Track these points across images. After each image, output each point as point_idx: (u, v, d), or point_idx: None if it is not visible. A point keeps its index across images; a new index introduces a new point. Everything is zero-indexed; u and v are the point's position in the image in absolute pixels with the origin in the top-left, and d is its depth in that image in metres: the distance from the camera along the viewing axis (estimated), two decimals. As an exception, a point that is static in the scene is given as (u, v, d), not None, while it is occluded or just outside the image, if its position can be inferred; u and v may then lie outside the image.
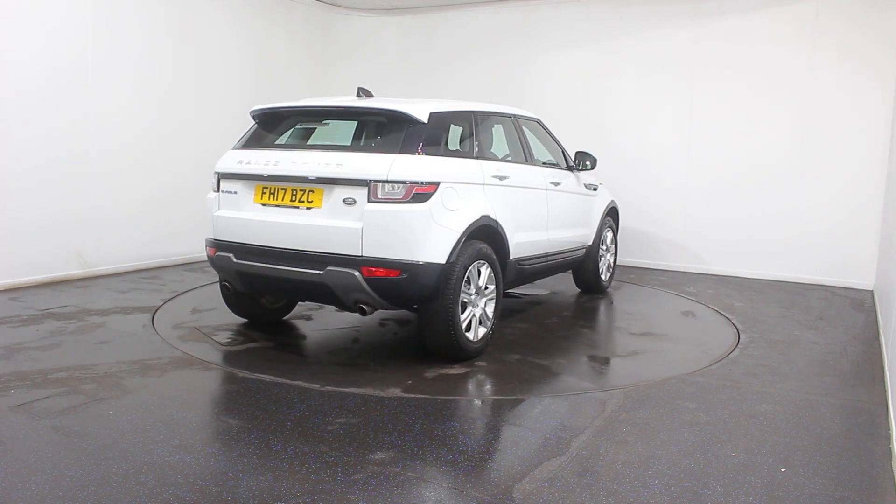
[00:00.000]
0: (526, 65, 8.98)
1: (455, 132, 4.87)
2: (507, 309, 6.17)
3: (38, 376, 3.99)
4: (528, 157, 5.54)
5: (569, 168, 6.20)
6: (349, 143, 4.61)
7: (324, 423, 3.48)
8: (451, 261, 4.30)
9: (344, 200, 4.23)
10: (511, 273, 5.10)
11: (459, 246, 4.35)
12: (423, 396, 3.91)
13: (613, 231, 7.11)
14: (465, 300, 4.48)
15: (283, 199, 4.47)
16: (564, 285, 7.11)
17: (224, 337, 5.04)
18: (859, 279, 7.46)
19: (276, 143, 4.81)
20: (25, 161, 6.21)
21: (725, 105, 7.93)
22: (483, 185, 4.73)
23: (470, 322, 4.54)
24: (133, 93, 7.09)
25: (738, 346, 5.16)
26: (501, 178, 4.93)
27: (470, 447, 3.31)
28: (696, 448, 3.31)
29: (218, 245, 4.74)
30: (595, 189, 6.67)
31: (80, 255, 6.75)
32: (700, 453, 3.25)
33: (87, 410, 3.53)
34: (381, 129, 4.57)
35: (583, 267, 6.66)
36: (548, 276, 6.36)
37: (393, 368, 4.41)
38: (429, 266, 4.21)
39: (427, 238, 4.20)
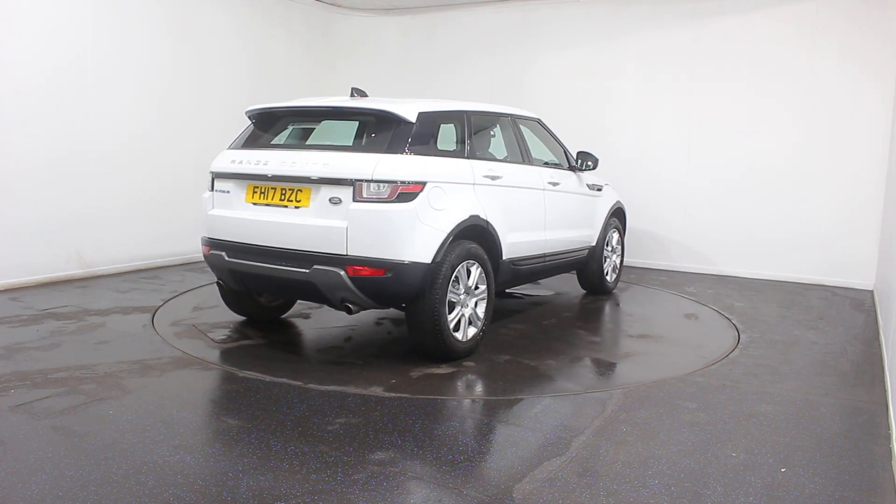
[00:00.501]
0: (526, 65, 8.97)
1: (445, 132, 4.88)
2: (507, 309, 6.17)
3: (38, 376, 3.99)
4: (525, 157, 5.53)
5: (571, 168, 6.18)
6: (338, 143, 4.64)
7: (324, 423, 3.48)
8: (437, 260, 4.30)
9: (330, 200, 4.27)
10: (505, 273, 5.10)
11: (446, 245, 4.35)
12: (404, 396, 3.91)
13: (620, 232, 7.04)
14: (454, 300, 4.48)
15: (272, 199, 4.53)
16: (569, 286, 7.08)
17: (219, 334, 5.08)
18: (859, 279, 7.46)
19: (269, 142, 4.86)
20: (25, 161, 6.21)
21: (725, 105, 7.93)
22: (473, 184, 4.72)
23: (459, 322, 4.54)
24: (133, 93, 7.10)
25: (738, 346, 5.16)
26: (493, 177, 4.92)
27: (470, 447, 3.31)
28: (696, 448, 3.31)
29: (211, 243, 4.82)
30: (599, 189, 6.62)
31: (80, 255, 6.75)
32: (700, 453, 3.25)
33: (87, 410, 3.53)
34: (370, 129, 4.60)
35: (587, 268, 6.63)
36: (547, 276, 6.36)
37: (379, 367, 4.43)
38: (414, 265, 4.22)
39: (412, 237, 4.22)
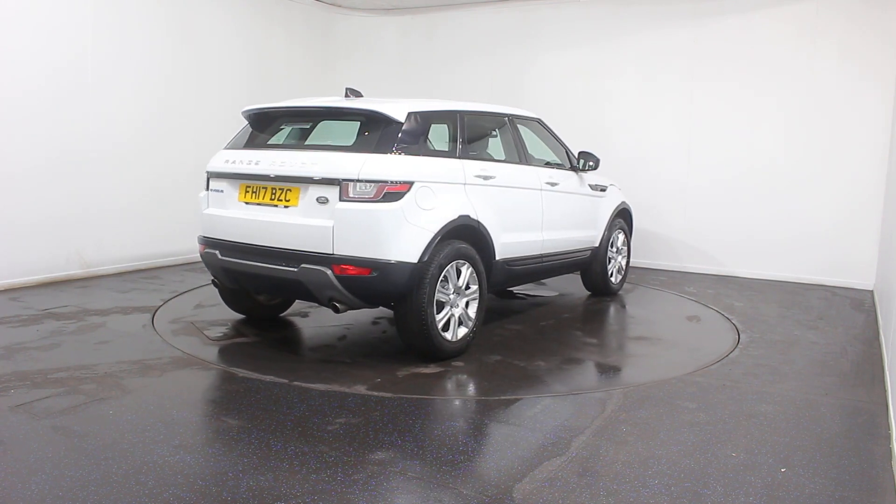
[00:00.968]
0: (526, 65, 8.98)
1: (436, 132, 4.89)
2: (507, 310, 6.17)
3: (38, 376, 3.99)
4: (522, 157, 5.51)
5: (572, 169, 6.15)
6: (328, 143, 4.66)
7: (324, 423, 3.48)
8: (423, 260, 4.31)
9: (317, 199, 4.30)
10: (499, 274, 5.08)
11: (433, 245, 4.36)
12: (386, 395, 3.91)
13: (625, 233, 6.98)
14: (443, 300, 4.49)
15: (263, 198, 4.57)
16: (574, 287, 7.03)
17: (215, 332, 5.12)
18: (859, 279, 7.46)
19: (262, 143, 4.90)
20: (25, 161, 6.21)
21: (725, 105, 7.93)
22: (464, 184, 4.72)
23: (448, 321, 4.54)
24: (133, 92, 7.10)
25: (738, 346, 5.16)
26: (486, 177, 4.91)
27: (470, 447, 3.31)
28: (696, 448, 3.31)
29: (206, 242, 4.89)
30: (603, 190, 6.58)
31: (80, 255, 6.75)
32: (700, 453, 3.25)
33: (87, 410, 3.53)
34: (360, 129, 4.62)
35: (590, 269, 6.59)
36: (546, 277, 6.35)
37: (367, 366, 4.44)
38: (400, 265, 4.23)
39: (398, 237, 4.23)
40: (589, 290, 6.88)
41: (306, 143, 4.82)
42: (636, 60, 8.34)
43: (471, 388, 4.22)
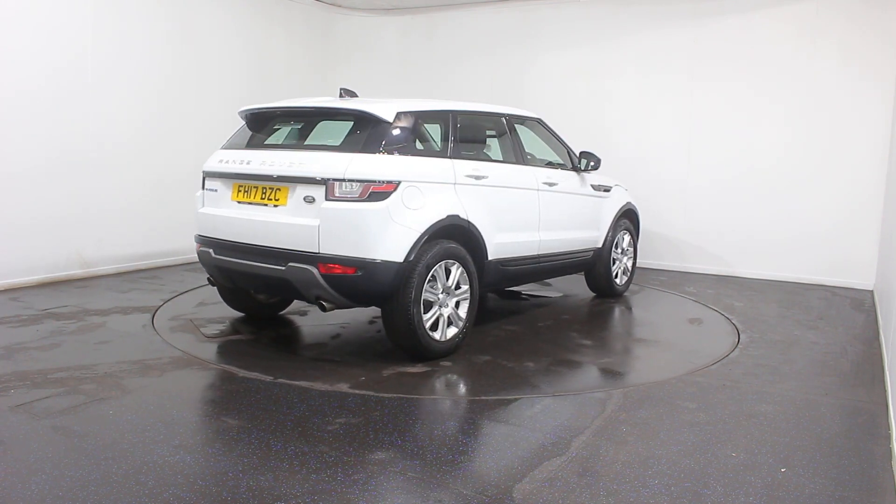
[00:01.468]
0: (526, 65, 8.98)
1: (426, 131, 4.89)
2: (506, 310, 6.17)
3: (38, 376, 3.99)
4: (518, 157, 5.49)
5: (574, 169, 6.12)
6: (318, 143, 4.70)
7: (324, 423, 3.48)
8: (409, 259, 4.32)
9: (304, 198, 4.34)
10: (492, 274, 5.08)
11: (420, 245, 4.37)
12: (368, 393, 3.92)
13: (631, 234, 6.92)
14: (431, 299, 4.50)
15: (254, 197, 4.63)
16: (580, 288, 6.96)
17: (212, 329, 5.17)
18: (859, 279, 7.46)
19: (255, 142, 4.95)
20: (25, 161, 6.21)
21: (725, 105, 7.93)
22: (454, 184, 4.72)
23: (437, 321, 4.55)
24: (133, 92, 7.10)
25: (738, 346, 5.16)
26: (478, 177, 4.90)
27: (470, 447, 3.31)
28: (696, 448, 3.31)
29: (201, 240, 4.97)
30: (607, 190, 6.53)
31: (80, 255, 6.75)
32: (700, 453, 3.25)
33: (87, 410, 3.53)
34: (349, 128, 4.65)
35: (594, 270, 6.56)
36: (545, 278, 6.33)
37: (355, 364, 4.46)
38: (385, 264, 4.25)
39: (384, 236, 4.24)
40: (593, 292, 6.83)
41: (297, 143, 4.87)
42: (636, 60, 8.34)
43: (455, 388, 4.22)
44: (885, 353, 4.80)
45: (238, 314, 5.55)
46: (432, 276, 4.47)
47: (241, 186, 4.71)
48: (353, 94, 5.07)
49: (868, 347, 5.22)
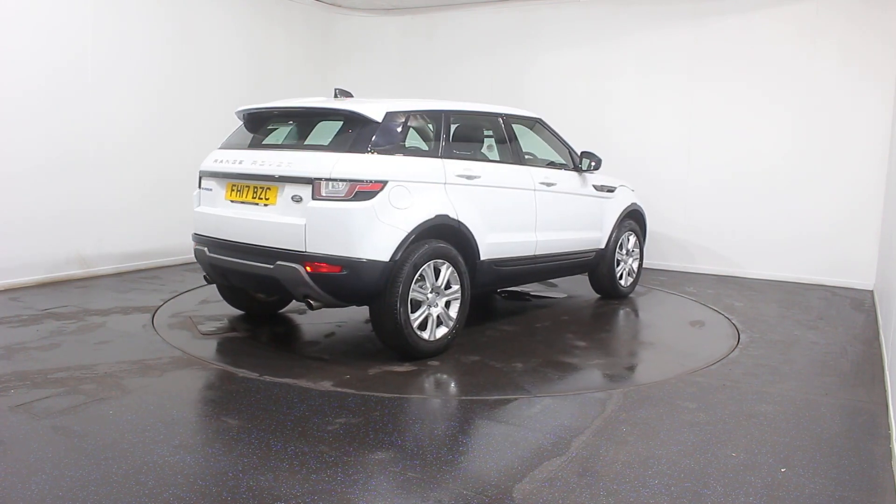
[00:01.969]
0: (526, 65, 8.97)
1: (416, 131, 4.91)
2: (506, 310, 6.17)
3: (38, 376, 3.99)
4: (515, 157, 5.47)
5: (575, 169, 6.09)
6: (308, 143, 4.75)
7: (324, 423, 3.48)
8: (395, 258, 4.34)
9: (292, 198, 4.38)
10: (486, 275, 5.07)
11: (407, 244, 4.38)
12: (349, 391, 3.93)
13: (637, 235, 6.87)
14: (419, 298, 4.50)
15: (247, 196, 4.68)
16: (585, 289, 6.89)
17: (209, 326, 5.21)
18: (859, 279, 7.46)
19: (249, 142, 5.00)
20: (26, 161, 6.21)
21: (725, 105, 7.93)
22: (444, 184, 4.73)
23: (426, 320, 4.55)
24: (133, 92, 7.10)
25: (738, 346, 5.16)
26: (470, 177, 4.90)
27: (470, 447, 3.31)
28: (696, 448, 3.31)
29: (197, 239, 5.04)
30: (611, 191, 6.48)
31: (80, 255, 6.75)
32: (700, 453, 3.25)
33: (87, 410, 3.53)
34: (339, 128, 4.67)
35: (597, 271, 6.51)
36: (543, 278, 6.29)
37: (343, 363, 4.48)
38: (371, 263, 4.27)
39: (370, 235, 4.26)
40: (598, 293, 6.77)
41: (287, 143, 4.91)
42: (636, 60, 8.34)
43: (440, 388, 4.22)
44: (885, 353, 4.80)
45: (238, 312, 5.59)
46: (420, 275, 4.48)
47: (235, 186, 4.76)
48: (348, 95, 5.08)
49: (868, 347, 5.22)
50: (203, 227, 4.97)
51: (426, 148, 4.89)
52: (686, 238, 8.27)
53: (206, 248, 4.90)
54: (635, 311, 6.41)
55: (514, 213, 5.34)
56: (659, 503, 2.77)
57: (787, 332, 5.60)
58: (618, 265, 6.60)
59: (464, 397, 4.03)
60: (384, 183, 4.33)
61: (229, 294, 5.44)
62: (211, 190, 4.94)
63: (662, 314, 6.38)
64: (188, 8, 7.64)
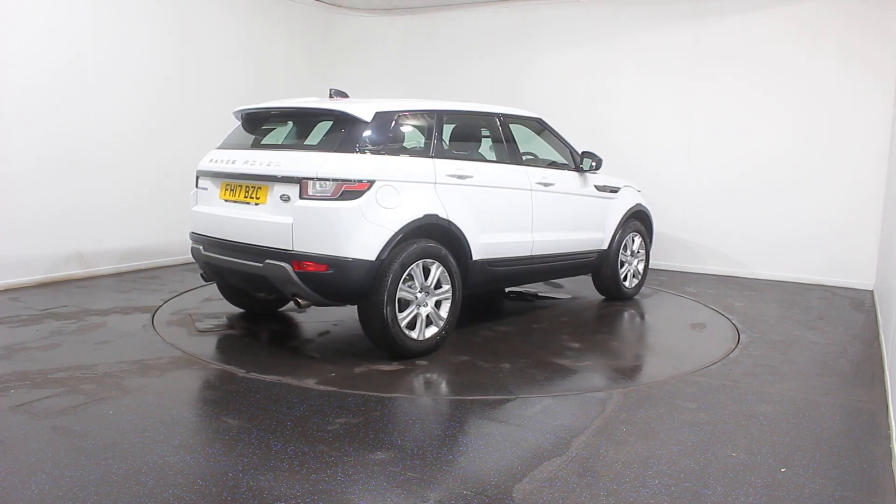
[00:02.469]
0: (526, 65, 8.98)
1: (407, 131, 4.92)
2: (506, 311, 6.17)
3: (38, 376, 3.99)
4: (511, 157, 5.44)
5: (576, 168, 6.05)
6: (298, 143, 4.79)
7: (324, 423, 3.48)
8: (382, 258, 4.35)
9: (281, 197, 4.42)
10: (479, 275, 5.05)
11: (394, 243, 4.39)
12: (332, 389, 3.95)
13: (642, 235, 6.79)
14: (408, 298, 4.51)
15: (239, 196, 4.74)
16: (590, 290, 6.81)
17: (206, 324, 5.27)
18: (859, 279, 7.46)
19: (244, 142, 5.04)
20: (26, 161, 6.21)
21: (726, 105, 7.93)
22: (434, 183, 4.72)
23: (415, 320, 4.55)
24: (133, 93, 7.10)
25: (738, 346, 5.16)
26: (462, 177, 4.89)
27: (470, 447, 3.31)
28: (696, 448, 3.31)
29: (194, 238, 5.10)
30: (614, 191, 6.42)
31: (80, 255, 6.75)
32: (700, 453, 3.25)
33: (87, 410, 3.53)
34: (329, 128, 4.69)
35: (600, 272, 6.46)
36: (542, 279, 6.25)
37: (331, 361, 4.50)
38: (357, 262, 4.29)
39: (356, 235, 4.28)
40: (602, 294, 6.71)
41: (279, 143, 4.95)
42: (636, 60, 8.34)
43: (426, 387, 4.21)
44: (885, 353, 4.80)
45: (238, 310, 5.64)
46: (409, 275, 4.49)
47: (228, 185, 4.82)
48: (343, 95, 5.09)
49: (868, 347, 5.22)
50: (199, 225, 5.03)
51: (416, 147, 4.89)
52: (686, 238, 8.27)
53: (201, 247, 4.96)
54: (636, 312, 6.41)
55: (508, 213, 5.31)
56: (659, 503, 2.77)
57: (787, 332, 5.60)
58: (622, 266, 6.55)
59: (453, 397, 4.03)
60: (371, 182, 4.35)
61: (229, 292, 5.49)
62: (206, 189, 5.00)
63: (662, 314, 6.38)
64: (188, 8, 7.64)
